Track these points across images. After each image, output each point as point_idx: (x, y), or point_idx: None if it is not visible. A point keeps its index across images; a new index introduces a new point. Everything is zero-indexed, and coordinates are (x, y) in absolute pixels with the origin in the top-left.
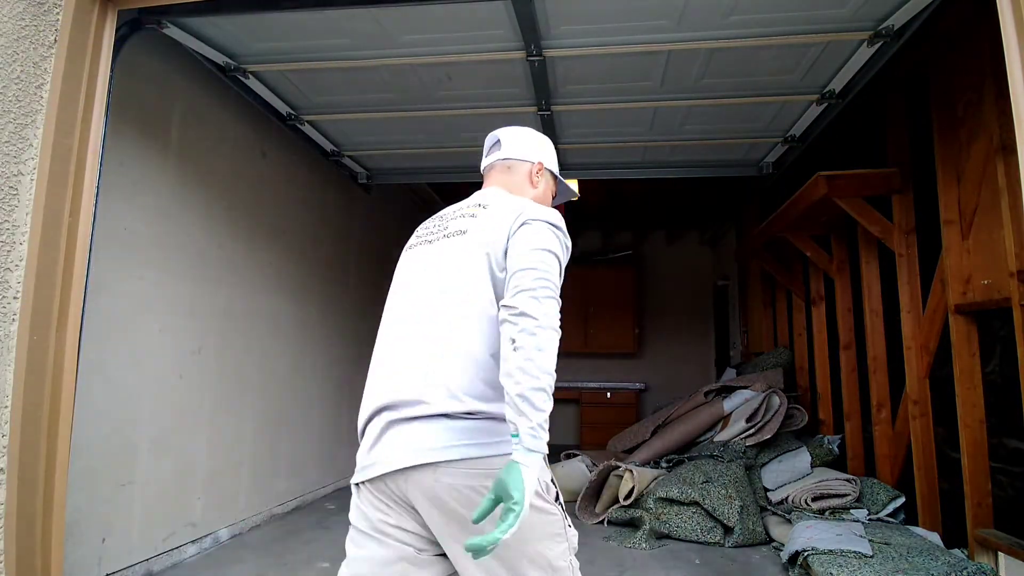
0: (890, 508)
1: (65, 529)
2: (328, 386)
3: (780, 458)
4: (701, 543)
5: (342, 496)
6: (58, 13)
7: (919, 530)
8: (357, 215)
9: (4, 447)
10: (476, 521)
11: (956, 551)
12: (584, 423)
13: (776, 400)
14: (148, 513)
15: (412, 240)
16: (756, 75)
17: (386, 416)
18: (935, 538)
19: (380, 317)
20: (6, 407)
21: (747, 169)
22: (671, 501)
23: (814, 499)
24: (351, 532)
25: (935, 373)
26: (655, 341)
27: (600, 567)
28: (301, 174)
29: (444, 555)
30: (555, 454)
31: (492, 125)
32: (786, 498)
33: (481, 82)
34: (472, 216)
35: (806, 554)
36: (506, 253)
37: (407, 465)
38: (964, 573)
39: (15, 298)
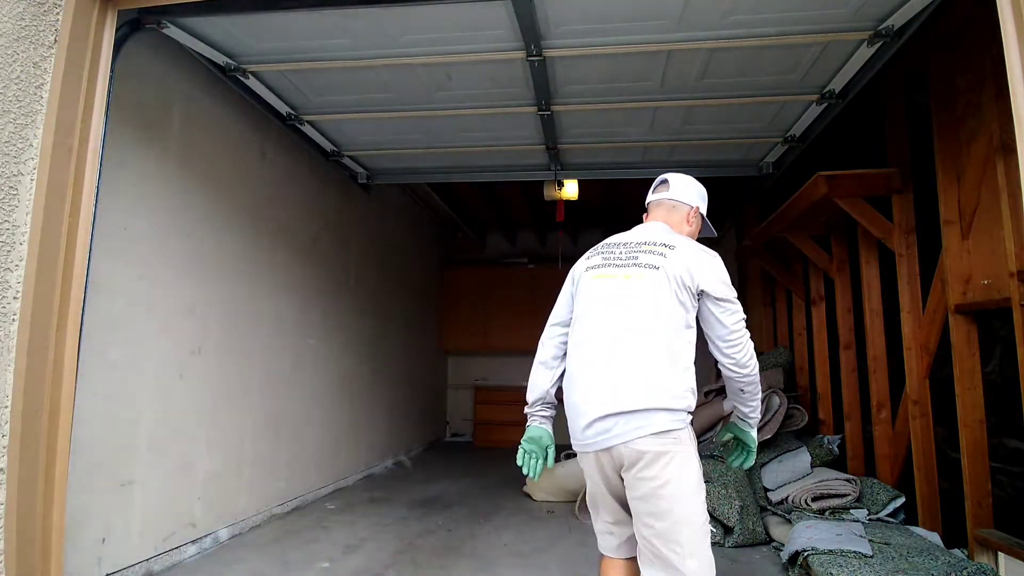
0: (890, 508)
1: (65, 529)
2: (328, 386)
3: (780, 458)
4: None
5: (342, 496)
6: (58, 13)
7: (919, 530)
8: (357, 215)
9: (4, 447)
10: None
11: (956, 551)
12: None
13: (776, 400)
14: (148, 513)
15: (596, 259)
16: (756, 75)
17: (610, 407)
18: (935, 538)
19: (380, 317)
20: (6, 407)
21: (747, 169)
22: None
23: (814, 499)
24: None
25: (935, 373)
26: None
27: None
28: (301, 174)
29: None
30: (555, 454)
31: (492, 125)
32: (786, 498)
33: (481, 82)
34: (662, 255)
35: (806, 554)
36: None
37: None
38: (964, 573)
39: (15, 298)
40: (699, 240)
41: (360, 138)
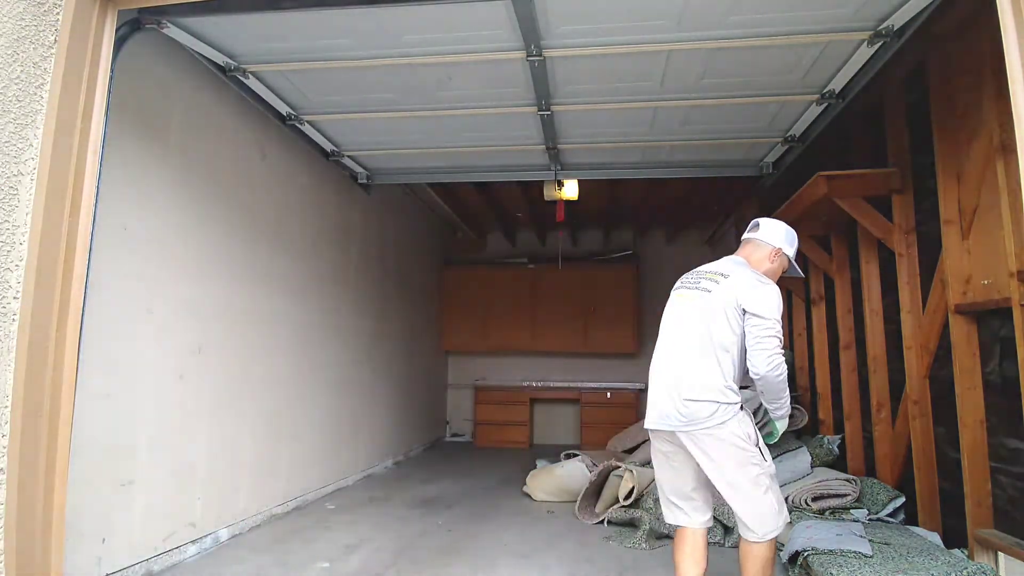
0: (890, 508)
1: (65, 529)
2: (328, 386)
3: (780, 458)
4: None
5: (342, 496)
6: (58, 13)
7: (919, 530)
8: (357, 215)
9: (4, 447)
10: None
11: (956, 551)
12: (584, 423)
13: None
14: (148, 513)
15: (680, 283)
16: (756, 75)
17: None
18: (935, 538)
19: (380, 317)
20: (6, 407)
21: (747, 169)
22: None
23: (814, 499)
24: None
25: (935, 373)
26: (655, 341)
27: (600, 567)
28: (301, 174)
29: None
30: (555, 454)
31: (492, 125)
32: (786, 498)
33: (481, 82)
34: (716, 282)
35: (806, 554)
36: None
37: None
38: (964, 573)
39: (15, 298)
40: (786, 279)
41: (360, 138)
